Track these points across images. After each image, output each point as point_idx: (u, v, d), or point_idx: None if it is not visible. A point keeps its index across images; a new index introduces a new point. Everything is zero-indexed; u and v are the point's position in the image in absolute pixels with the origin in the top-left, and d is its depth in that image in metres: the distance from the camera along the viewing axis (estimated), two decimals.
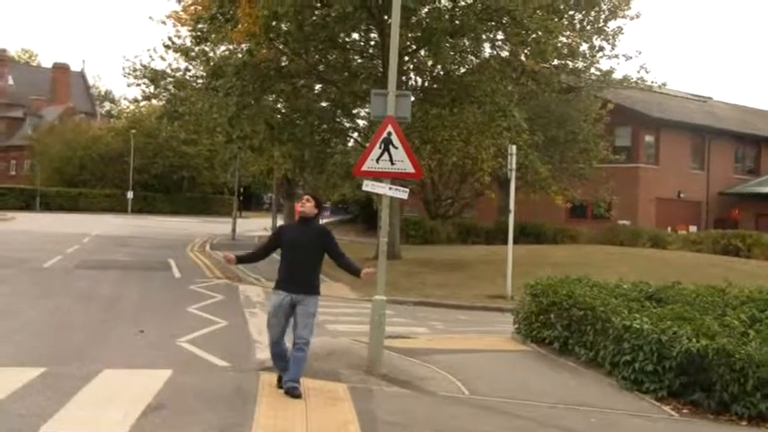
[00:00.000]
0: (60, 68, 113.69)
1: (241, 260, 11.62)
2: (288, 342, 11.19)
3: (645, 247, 41.54)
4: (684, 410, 11.92)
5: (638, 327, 12.70)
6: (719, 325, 12.68)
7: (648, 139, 52.41)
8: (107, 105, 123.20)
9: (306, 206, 11.20)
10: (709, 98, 65.19)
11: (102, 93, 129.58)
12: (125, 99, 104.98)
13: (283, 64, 32.96)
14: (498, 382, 12.81)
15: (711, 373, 11.79)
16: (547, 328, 15.17)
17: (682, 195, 52.58)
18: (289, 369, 10.90)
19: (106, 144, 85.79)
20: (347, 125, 38.03)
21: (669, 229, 48.61)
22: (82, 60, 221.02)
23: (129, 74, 45.60)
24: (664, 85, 43.46)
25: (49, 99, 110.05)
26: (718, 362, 11.69)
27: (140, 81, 45.37)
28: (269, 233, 51.58)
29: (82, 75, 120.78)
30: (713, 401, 11.78)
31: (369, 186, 13.59)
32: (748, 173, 57.77)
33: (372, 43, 34.08)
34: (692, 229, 50.80)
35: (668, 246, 42.73)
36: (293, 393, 10.72)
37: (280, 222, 55.38)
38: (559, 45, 32.71)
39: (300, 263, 10.99)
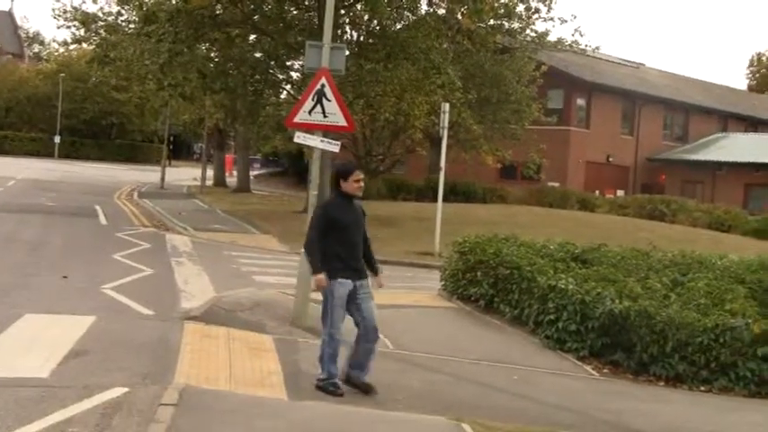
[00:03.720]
0: None
1: (322, 265, 9.50)
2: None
3: (573, 210, 41.99)
4: (605, 370, 12.12)
5: (562, 287, 12.85)
6: (642, 287, 12.90)
7: (580, 102, 52.81)
8: (36, 47, 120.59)
9: (362, 186, 9.89)
10: (642, 64, 65.82)
11: (31, 34, 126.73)
12: (54, 41, 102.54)
13: (218, 12, 32.50)
14: (423, 337, 12.89)
15: (632, 335, 11.99)
16: (473, 286, 15.26)
17: (611, 159, 53.15)
18: (360, 363, 9.64)
19: (34, 87, 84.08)
20: (280, 77, 37.72)
21: (597, 192, 49.16)
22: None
23: (58, 16, 44.63)
24: (597, 49, 43.76)
25: None
26: (640, 323, 11.90)
27: (70, 24, 44.41)
28: (198, 183, 51.25)
29: (10, 14, 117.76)
30: (633, 362, 12.00)
31: (300, 138, 13.50)
32: (676, 139, 58.52)
33: None
34: (620, 193, 51.45)
35: (596, 209, 43.26)
36: (368, 388, 9.60)
37: (210, 173, 55.06)
38: (496, 5, 32.70)
39: (359, 246, 9.75)
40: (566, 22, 41.90)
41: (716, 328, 11.67)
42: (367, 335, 9.56)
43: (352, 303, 9.56)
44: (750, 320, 11.77)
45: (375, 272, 9.98)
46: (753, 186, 50.93)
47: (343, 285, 9.46)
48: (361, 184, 9.80)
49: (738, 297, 12.79)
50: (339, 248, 9.50)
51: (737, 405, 11.18)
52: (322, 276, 9.38)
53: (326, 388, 9.45)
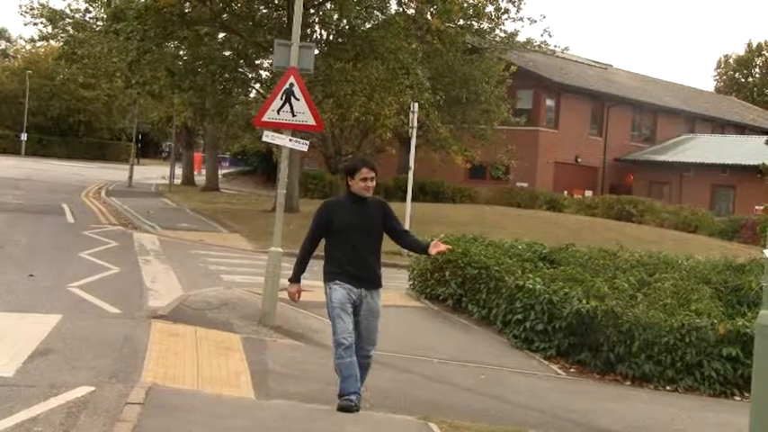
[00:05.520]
0: None
1: (299, 275, 8.91)
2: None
3: (541, 210, 42.12)
4: (572, 369, 12.19)
5: (530, 287, 12.90)
6: (609, 287, 12.97)
7: (549, 103, 52.96)
8: (2, 44, 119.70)
9: (370, 186, 8.78)
10: (610, 65, 66.14)
11: None
12: (21, 38, 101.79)
13: (186, 10, 32.41)
14: (391, 337, 12.86)
15: (599, 334, 12.07)
16: (441, 286, 15.29)
17: (579, 160, 53.33)
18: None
19: (0, 84, 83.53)
20: (250, 75, 37.66)
21: (565, 192, 49.31)
22: None
23: (25, 12, 44.41)
24: (566, 49, 43.96)
25: None
26: (607, 323, 11.98)
27: (38, 20, 44.22)
28: (166, 182, 51.00)
29: None
30: (600, 361, 12.08)
31: (269, 137, 13.49)
32: (644, 140, 58.82)
33: None
34: (588, 193, 51.63)
35: (564, 209, 43.42)
36: (350, 407, 8.46)
37: (178, 171, 54.79)
38: (465, 5, 32.82)
39: (363, 250, 8.65)
40: (535, 22, 42.23)
41: (682, 328, 11.76)
42: (359, 349, 8.65)
43: (357, 315, 8.64)
44: (715, 321, 11.88)
45: (425, 249, 8.89)
46: (719, 188, 51.36)
47: (342, 287, 8.55)
48: (368, 183, 8.73)
49: (704, 297, 12.91)
50: (338, 252, 8.68)
51: (703, 404, 11.28)
52: (292, 288, 8.79)
53: (341, 406, 8.46)
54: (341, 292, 8.55)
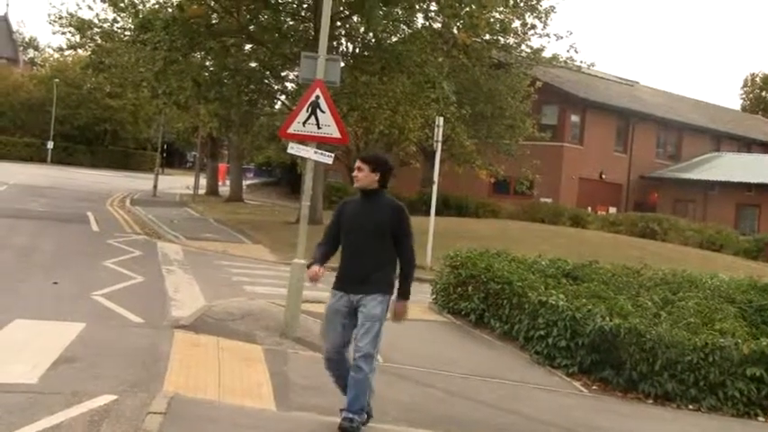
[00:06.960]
0: None
1: (318, 259, 8.25)
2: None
3: (565, 226, 41.98)
4: (594, 387, 12.12)
5: (553, 303, 12.86)
6: (633, 305, 12.91)
7: (574, 119, 52.81)
8: (31, 52, 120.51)
9: (358, 176, 8.20)
10: (636, 82, 65.90)
11: (27, 39, 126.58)
12: (49, 47, 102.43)
13: (214, 21, 32.57)
14: (413, 351, 12.87)
15: (622, 352, 12.00)
16: (464, 300, 15.27)
17: (604, 176, 53.16)
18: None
19: (28, 92, 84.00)
20: (275, 87, 37.78)
21: (589, 209, 49.14)
22: (6, 4, 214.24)
23: (54, 21, 44.68)
24: (592, 65, 43.93)
25: None
26: (630, 341, 11.91)
27: (66, 29, 44.47)
28: (191, 192, 51.15)
29: (5, 19, 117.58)
30: (622, 379, 12.01)
31: (294, 149, 13.50)
32: (669, 158, 58.58)
33: (305, 6, 33.84)
34: (612, 210, 51.46)
35: (588, 225, 43.26)
36: (345, 427, 7.93)
37: (203, 181, 54.96)
38: (492, 20, 32.80)
39: (362, 251, 8.07)
40: (561, 38, 42.16)
41: (705, 348, 11.68)
42: (353, 357, 8.02)
43: (356, 320, 8.07)
44: (739, 340, 11.79)
45: (399, 294, 8.22)
46: (744, 206, 51.07)
47: (333, 295, 8.17)
48: (356, 173, 8.15)
49: (728, 317, 12.83)
50: (343, 253, 8.24)
51: (726, 425, 11.19)
52: (311, 268, 8.14)
53: (339, 425, 8.02)
54: (331, 301, 8.20)
